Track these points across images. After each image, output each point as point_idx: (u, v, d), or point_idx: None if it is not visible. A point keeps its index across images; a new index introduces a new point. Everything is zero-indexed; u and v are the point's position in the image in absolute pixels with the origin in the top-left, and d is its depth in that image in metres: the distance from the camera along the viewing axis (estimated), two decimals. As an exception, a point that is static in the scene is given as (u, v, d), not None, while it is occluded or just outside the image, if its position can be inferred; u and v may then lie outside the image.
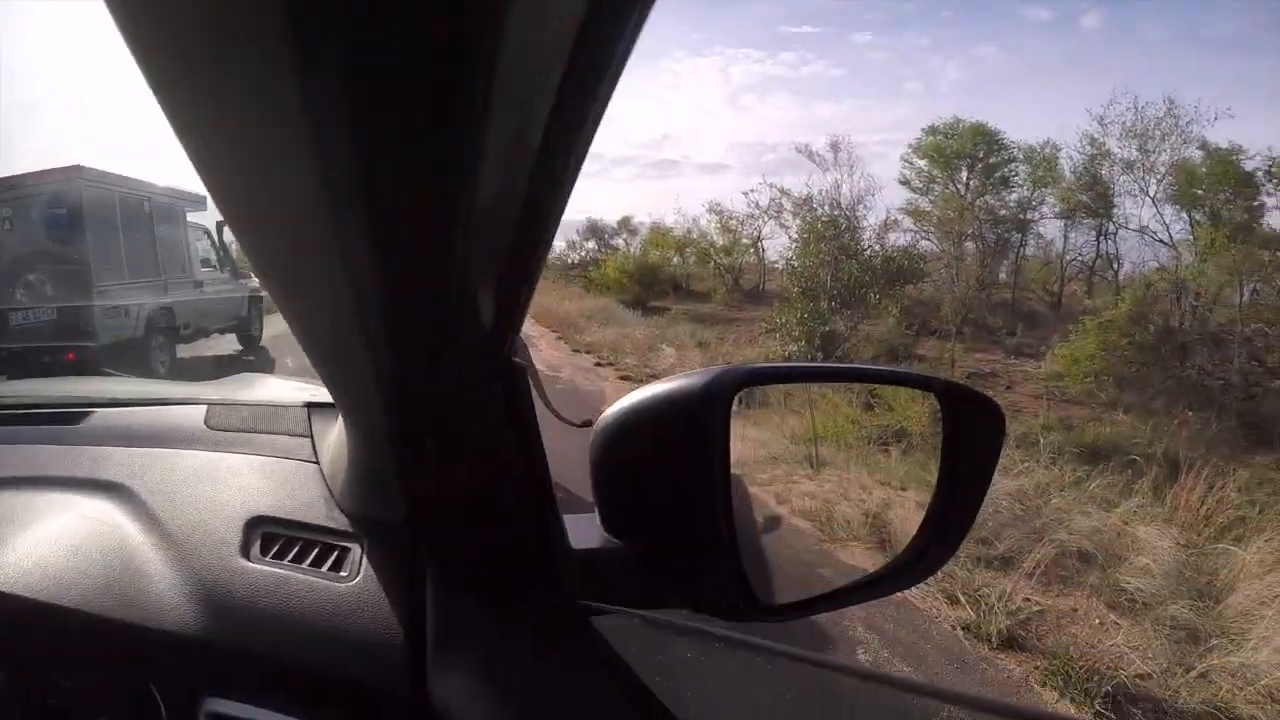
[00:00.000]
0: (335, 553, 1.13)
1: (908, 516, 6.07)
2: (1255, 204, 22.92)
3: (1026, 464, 8.50)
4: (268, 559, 1.13)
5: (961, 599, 5.50)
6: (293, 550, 1.14)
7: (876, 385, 7.32)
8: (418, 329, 0.73)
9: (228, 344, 16.90)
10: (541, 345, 18.43)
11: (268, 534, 1.17)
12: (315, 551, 1.14)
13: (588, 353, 16.97)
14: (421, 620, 1.04)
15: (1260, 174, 22.65)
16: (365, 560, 1.11)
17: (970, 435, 1.18)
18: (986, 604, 5.40)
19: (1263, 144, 23.06)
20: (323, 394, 1.44)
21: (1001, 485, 7.44)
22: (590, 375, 13.97)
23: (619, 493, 1.06)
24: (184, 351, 14.81)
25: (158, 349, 12.61)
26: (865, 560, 5.97)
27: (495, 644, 1.03)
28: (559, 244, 59.19)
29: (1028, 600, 5.57)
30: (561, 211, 0.64)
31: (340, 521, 1.17)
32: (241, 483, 1.29)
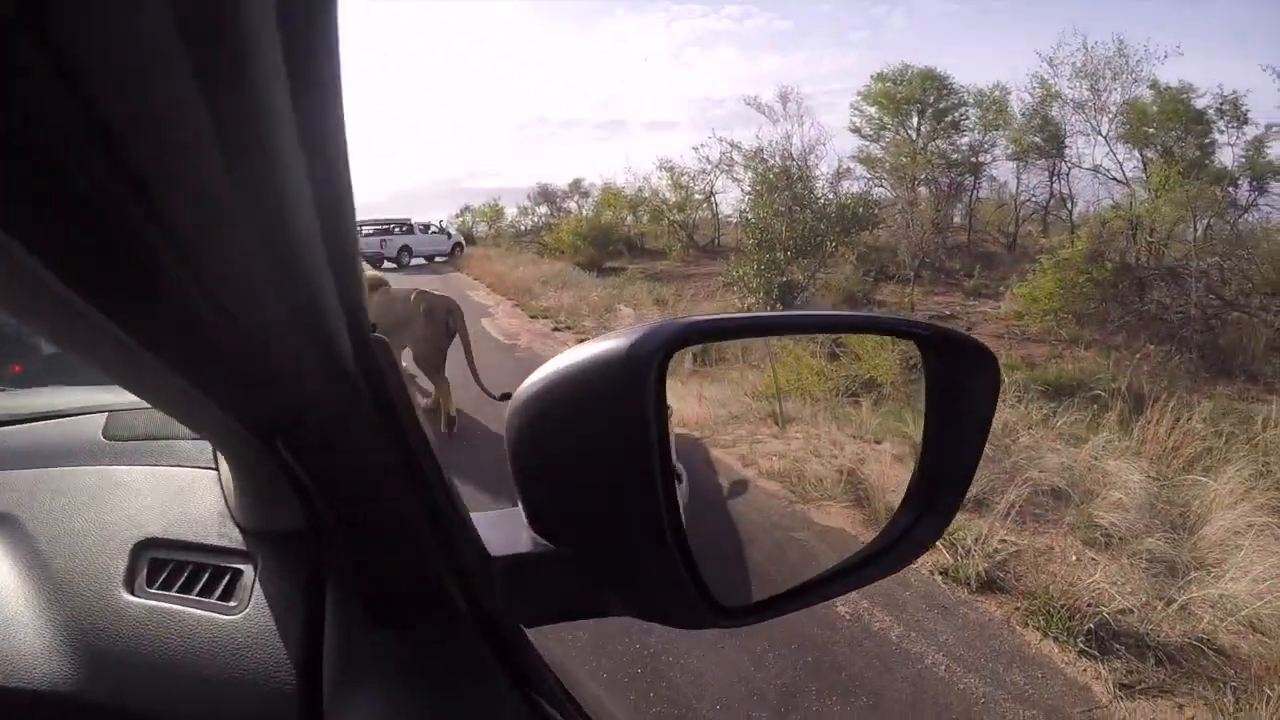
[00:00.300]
0: (227, 576, 0.98)
1: (885, 471, 5.95)
2: (1206, 141, 23.00)
3: (994, 405, 8.45)
4: (154, 590, 0.98)
5: (937, 543, 5.41)
6: (182, 577, 0.98)
7: (844, 335, 7.03)
8: (202, 334, 0.55)
9: None
10: (498, 313, 18.36)
11: (156, 559, 1.02)
12: (206, 576, 0.98)
13: (545, 318, 16.81)
14: (318, 653, 0.88)
15: (1211, 111, 22.74)
16: (257, 584, 0.95)
17: (959, 388, 1.03)
18: (963, 547, 5.32)
19: (1212, 82, 23.23)
20: None
21: (970, 426, 7.40)
22: (548, 340, 13.85)
23: (543, 484, 0.87)
24: None
25: None
26: (843, 520, 5.85)
27: (401, 677, 0.86)
28: (510, 210, 59.23)
29: (1004, 541, 5.49)
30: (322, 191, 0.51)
31: (234, 538, 1.01)
32: (132, 500, 1.12)
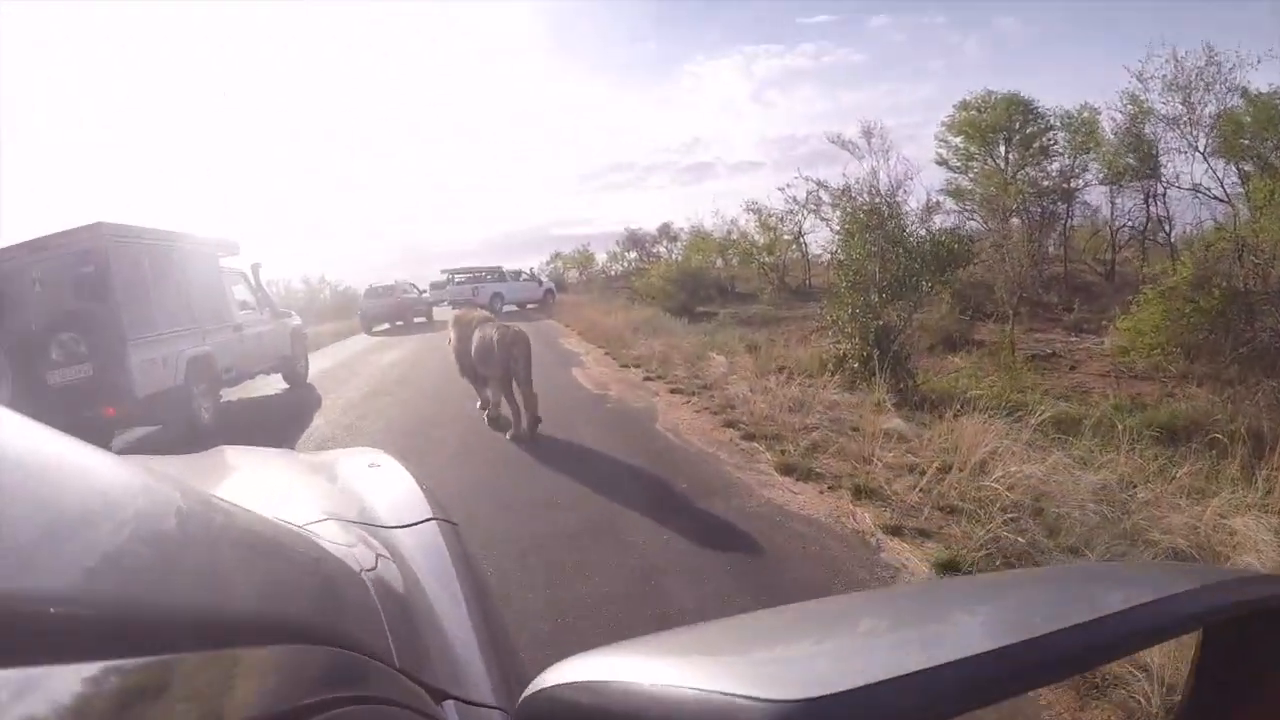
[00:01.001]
0: None
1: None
2: (1308, 147, 22.24)
3: (1109, 455, 7.97)
4: None
5: None
6: None
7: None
8: None
9: (274, 384, 17.15)
10: (588, 362, 18.55)
11: None
12: None
13: (636, 367, 16.74)
14: None
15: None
16: None
17: (1260, 671, 0.77)
18: None
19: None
20: None
21: (1085, 481, 6.98)
22: (639, 391, 13.74)
23: None
24: (231, 394, 15.07)
25: (200, 396, 12.78)
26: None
27: None
28: (600, 256, 60.22)
29: None
30: None
31: None
32: None
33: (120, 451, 11.55)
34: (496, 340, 10.40)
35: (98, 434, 11.71)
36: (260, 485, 2.10)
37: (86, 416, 10.72)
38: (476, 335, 10.86)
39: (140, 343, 11.31)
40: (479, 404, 11.65)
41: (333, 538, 1.39)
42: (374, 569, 1.29)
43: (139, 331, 11.37)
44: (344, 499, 1.92)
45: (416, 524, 1.80)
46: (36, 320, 11.08)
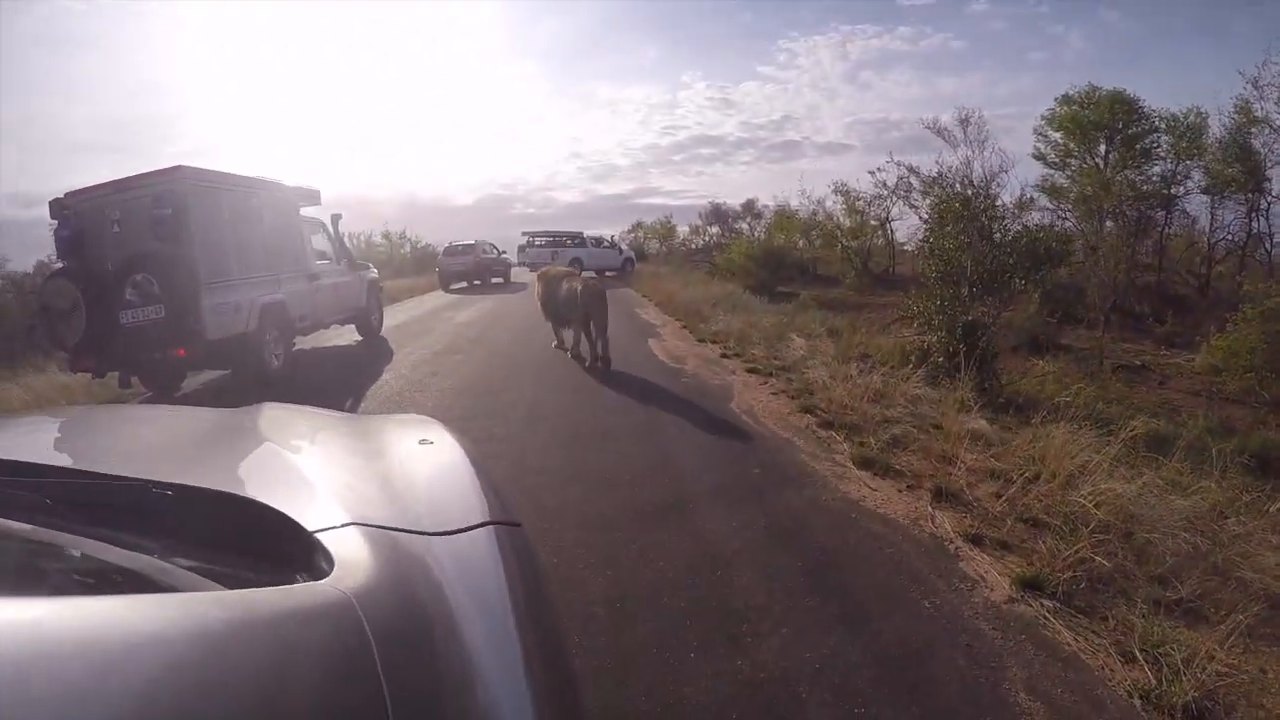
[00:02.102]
0: None
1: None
2: None
3: (1201, 481, 7.60)
4: None
5: (1139, 657, 4.67)
6: None
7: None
8: None
9: (348, 335, 17.41)
10: (665, 334, 18.48)
11: None
12: None
13: (713, 343, 16.62)
14: None
15: None
16: None
17: None
18: (1170, 665, 4.59)
19: None
20: None
21: (1176, 506, 6.69)
22: (716, 368, 13.62)
23: None
24: (304, 343, 15.35)
25: (272, 342, 13.11)
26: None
27: None
28: (681, 228, 60.52)
29: (1211, 657, 4.75)
30: None
31: None
32: None
33: (186, 393, 11.92)
34: (580, 291, 13.37)
35: (168, 374, 11.99)
36: (289, 465, 1.84)
37: (157, 357, 11.16)
38: (562, 286, 13.83)
39: (214, 287, 11.64)
40: (555, 344, 15.33)
41: (351, 558, 1.20)
42: (388, 630, 1.04)
43: (214, 275, 11.71)
44: (381, 489, 1.66)
45: (467, 530, 1.48)
46: (113, 259, 11.41)
